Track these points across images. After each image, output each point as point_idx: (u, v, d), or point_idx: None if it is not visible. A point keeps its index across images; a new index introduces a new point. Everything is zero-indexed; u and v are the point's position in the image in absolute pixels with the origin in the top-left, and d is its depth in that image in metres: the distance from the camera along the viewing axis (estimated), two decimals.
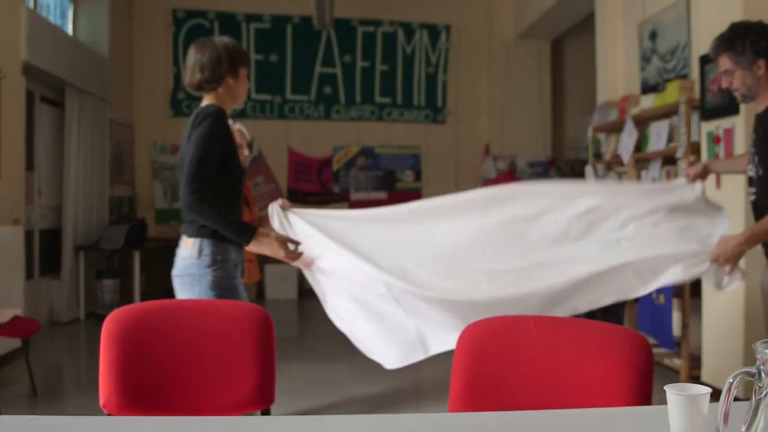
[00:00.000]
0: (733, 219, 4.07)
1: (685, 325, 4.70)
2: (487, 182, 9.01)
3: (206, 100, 2.76)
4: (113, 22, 8.12)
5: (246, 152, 3.47)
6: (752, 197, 2.87)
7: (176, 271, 2.69)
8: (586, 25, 7.93)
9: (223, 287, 2.62)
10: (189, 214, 2.60)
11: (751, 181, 2.88)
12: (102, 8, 7.93)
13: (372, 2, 9.49)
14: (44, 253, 6.87)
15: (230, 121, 3.33)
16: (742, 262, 2.82)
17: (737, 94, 2.87)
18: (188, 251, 2.64)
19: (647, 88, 5.95)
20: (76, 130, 7.18)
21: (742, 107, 4.13)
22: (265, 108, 9.35)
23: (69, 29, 7.74)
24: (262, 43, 9.32)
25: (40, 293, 6.83)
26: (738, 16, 4.09)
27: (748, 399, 1.02)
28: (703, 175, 3.03)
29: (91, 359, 5.68)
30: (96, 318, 7.20)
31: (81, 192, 7.30)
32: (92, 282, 7.42)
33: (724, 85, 2.87)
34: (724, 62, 2.80)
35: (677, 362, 4.80)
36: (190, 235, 2.65)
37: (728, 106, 4.26)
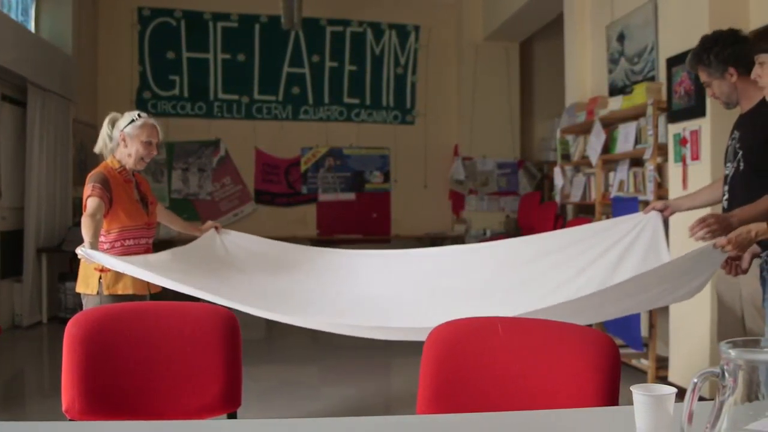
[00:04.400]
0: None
1: (652, 326, 4.75)
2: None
3: None
4: (77, 20, 7.98)
5: (155, 152, 3.33)
6: (725, 195, 2.90)
7: None
8: (554, 27, 7.99)
9: None
10: None
11: (725, 180, 2.91)
12: (65, 6, 7.79)
13: (341, 2, 9.47)
14: (5, 255, 6.73)
15: (145, 115, 3.26)
16: None
17: (720, 102, 2.97)
18: None
19: (615, 90, 6.01)
20: (38, 129, 7.04)
21: (709, 109, 4.19)
22: (232, 108, 9.27)
23: (31, 26, 7.60)
24: (229, 43, 9.24)
25: (1, 296, 6.69)
26: (705, 19, 4.15)
27: (713, 399, 1.02)
28: (664, 211, 3.08)
29: (54, 363, 5.58)
30: (59, 321, 7.07)
31: (44, 193, 7.17)
32: (55, 285, 7.29)
33: (709, 94, 2.98)
34: (701, 75, 2.93)
35: (645, 363, 4.85)
36: None
37: (695, 108, 4.32)
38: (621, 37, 5.92)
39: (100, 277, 3.07)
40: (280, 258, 3.61)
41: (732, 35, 2.89)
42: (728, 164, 2.89)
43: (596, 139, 5.76)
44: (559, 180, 6.72)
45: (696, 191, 3.22)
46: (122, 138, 3.21)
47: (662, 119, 4.88)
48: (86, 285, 3.11)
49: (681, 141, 4.44)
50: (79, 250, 2.74)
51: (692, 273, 2.71)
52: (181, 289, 2.80)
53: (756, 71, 2.61)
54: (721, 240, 2.43)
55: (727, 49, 2.82)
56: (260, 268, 3.50)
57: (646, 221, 3.09)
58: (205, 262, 3.37)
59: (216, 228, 3.58)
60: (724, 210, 2.86)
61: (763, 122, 2.78)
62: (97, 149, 3.31)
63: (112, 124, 3.27)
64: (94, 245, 2.81)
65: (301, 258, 3.64)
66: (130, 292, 3.09)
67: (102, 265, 2.92)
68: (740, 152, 2.82)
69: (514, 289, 3.20)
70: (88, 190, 3.05)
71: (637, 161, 5.40)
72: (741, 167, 2.81)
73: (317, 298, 3.29)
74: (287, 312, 3.01)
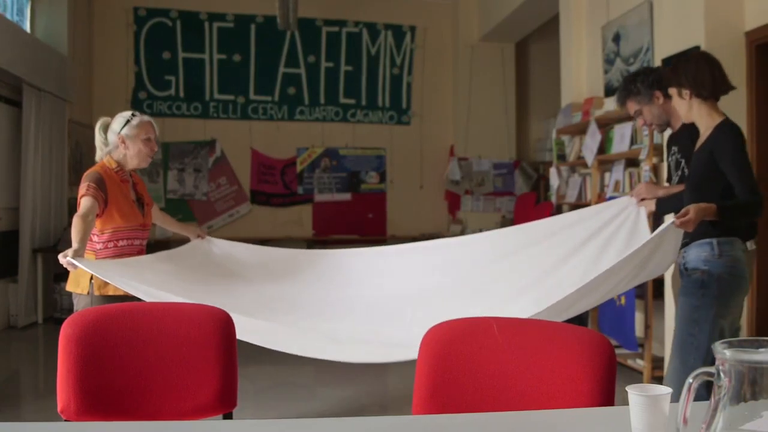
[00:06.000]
0: None
1: (647, 326, 4.76)
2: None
3: None
4: (72, 20, 7.97)
5: (155, 147, 3.28)
6: None
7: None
8: (550, 27, 8.00)
9: None
10: None
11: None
12: (61, 6, 7.77)
13: (336, 2, 9.47)
14: (0, 255, 6.72)
15: (138, 113, 3.26)
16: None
17: (655, 128, 3.36)
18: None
19: (611, 91, 6.02)
20: (34, 129, 7.03)
21: None
22: (228, 108, 9.26)
23: (27, 27, 7.58)
24: (225, 43, 9.23)
25: None
26: (700, 20, 4.17)
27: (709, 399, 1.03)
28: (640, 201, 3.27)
29: (50, 364, 5.57)
30: (54, 322, 7.06)
31: (39, 193, 7.16)
32: (50, 285, 7.28)
33: (640, 124, 3.36)
34: (631, 106, 3.29)
35: (640, 363, 4.86)
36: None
37: None
38: (617, 38, 5.93)
39: (91, 278, 3.01)
40: (264, 264, 3.59)
41: (647, 67, 3.46)
42: (674, 176, 3.27)
43: (592, 140, 5.77)
44: (554, 180, 6.73)
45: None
46: (121, 141, 3.18)
47: None
48: (77, 284, 3.06)
49: None
50: (62, 258, 2.63)
51: (660, 251, 2.88)
52: (168, 299, 2.78)
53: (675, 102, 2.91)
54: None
55: (650, 76, 3.21)
56: (245, 275, 3.47)
57: (630, 208, 3.21)
58: (196, 267, 3.35)
59: (202, 236, 3.58)
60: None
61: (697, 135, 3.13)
62: (97, 158, 3.28)
63: (105, 129, 3.24)
64: (80, 251, 2.71)
65: (288, 262, 3.64)
66: (121, 293, 3.00)
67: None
68: (682, 161, 3.20)
69: (494, 286, 3.24)
70: (82, 189, 3.01)
71: (632, 162, 5.41)
72: (687, 173, 3.16)
73: (305, 303, 3.26)
74: (277, 328, 2.98)
